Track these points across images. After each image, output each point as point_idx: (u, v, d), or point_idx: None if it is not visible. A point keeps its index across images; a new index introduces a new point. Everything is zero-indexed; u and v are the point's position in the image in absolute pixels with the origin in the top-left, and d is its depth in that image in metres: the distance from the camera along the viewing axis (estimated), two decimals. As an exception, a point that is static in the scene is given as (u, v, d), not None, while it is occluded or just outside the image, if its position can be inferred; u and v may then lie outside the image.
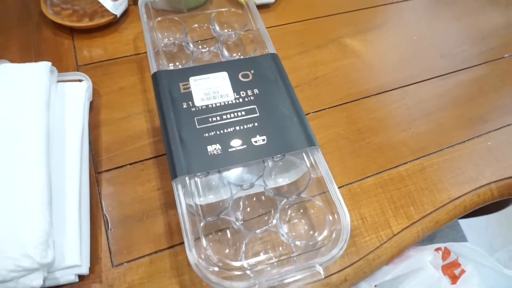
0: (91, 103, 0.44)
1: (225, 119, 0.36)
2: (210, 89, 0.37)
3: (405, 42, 0.56)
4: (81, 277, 0.34)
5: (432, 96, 0.51)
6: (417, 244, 0.41)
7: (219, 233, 0.36)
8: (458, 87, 0.52)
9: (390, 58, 0.54)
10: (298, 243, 0.35)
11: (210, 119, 0.36)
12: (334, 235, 0.32)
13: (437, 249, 0.47)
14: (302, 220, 0.37)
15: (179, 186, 0.32)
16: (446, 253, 0.47)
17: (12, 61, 0.45)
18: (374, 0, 0.61)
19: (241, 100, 0.37)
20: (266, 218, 0.37)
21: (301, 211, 0.38)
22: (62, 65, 0.47)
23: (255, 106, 0.37)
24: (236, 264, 0.33)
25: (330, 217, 0.34)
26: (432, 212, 0.41)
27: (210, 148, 0.34)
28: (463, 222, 0.79)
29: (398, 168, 0.44)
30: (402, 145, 0.45)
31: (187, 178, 0.33)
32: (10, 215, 0.31)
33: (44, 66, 0.39)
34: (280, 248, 0.36)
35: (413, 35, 0.57)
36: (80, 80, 0.44)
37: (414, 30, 0.58)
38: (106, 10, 0.50)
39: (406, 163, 0.44)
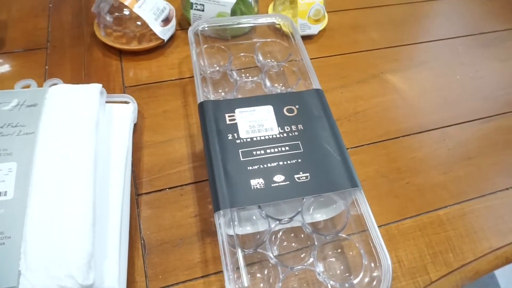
0: (135, 125, 0.45)
1: (269, 153, 0.36)
2: (255, 122, 0.38)
3: (447, 82, 0.56)
4: (116, 299, 0.34)
5: (473, 138, 0.50)
6: (454, 293, 0.40)
7: (255, 266, 0.36)
8: (500, 131, 0.51)
9: (431, 97, 0.54)
10: (333, 283, 0.35)
11: (254, 152, 0.36)
12: (375, 283, 0.32)
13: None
14: (339, 260, 0.37)
15: (221, 219, 0.32)
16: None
17: (63, 79, 0.47)
18: (416, 37, 0.61)
19: (285, 135, 0.37)
20: (302, 254, 0.37)
21: (339, 250, 0.37)
22: (109, 86, 0.49)
23: (299, 142, 0.37)
24: (273, 302, 0.32)
25: (372, 263, 0.33)
26: (473, 261, 0.40)
27: (253, 182, 0.34)
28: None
29: (438, 212, 0.43)
30: (442, 188, 0.45)
31: (229, 211, 0.33)
32: (56, 235, 0.31)
33: (95, 89, 0.41)
34: (317, 289, 0.35)
35: (456, 75, 0.57)
36: (126, 102, 0.46)
37: (456, 70, 0.57)
38: (154, 34, 0.52)
39: (446, 207, 0.43)
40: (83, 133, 0.37)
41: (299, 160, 0.36)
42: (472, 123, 0.51)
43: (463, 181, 0.46)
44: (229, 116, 0.38)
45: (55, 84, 0.44)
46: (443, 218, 0.42)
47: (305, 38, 0.58)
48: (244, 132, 0.37)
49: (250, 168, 0.35)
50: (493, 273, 0.73)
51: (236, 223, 0.36)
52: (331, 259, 0.37)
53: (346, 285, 0.34)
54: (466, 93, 0.55)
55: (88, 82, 0.42)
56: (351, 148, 0.47)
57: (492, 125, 0.51)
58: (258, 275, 0.36)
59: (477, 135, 0.50)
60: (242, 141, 0.37)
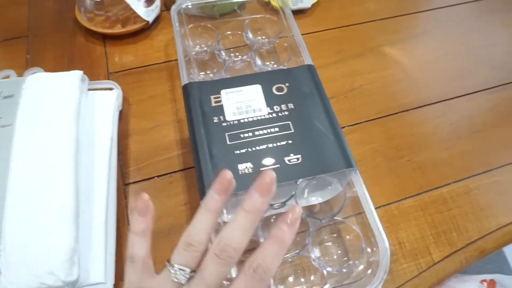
0: (121, 112, 0.44)
1: (257, 136, 0.34)
2: (243, 103, 0.36)
3: (450, 52, 0.52)
4: (105, 293, 0.33)
5: (478, 111, 0.47)
6: (459, 272, 0.38)
7: (247, 255, 0.35)
8: (509, 101, 0.48)
9: (434, 68, 0.51)
10: (330, 269, 0.33)
11: (241, 135, 0.34)
12: (371, 270, 0.30)
13: (482, 281, 0.43)
14: (336, 244, 0.35)
15: (208, 207, 0.31)
16: (491, 285, 0.43)
17: (45, 68, 0.45)
18: (416, 5, 0.58)
19: (274, 115, 0.35)
20: (297, 239, 0.35)
21: (335, 234, 0.35)
22: (93, 72, 0.47)
23: (289, 122, 0.35)
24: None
25: (369, 247, 0.31)
26: (478, 240, 0.38)
27: (241, 167, 0.32)
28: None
29: (441, 190, 0.41)
30: (445, 164, 0.42)
31: (216, 198, 0.31)
32: (36, 230, 0.30)
33: (75, 76, 0.39)
34: (312, 277, 0.34)
35: (460, 44, 0.53)
36: (110, 89, 0.44)
37: (460, 38, 0.54)
38: (139, 17, 0.49)
39: (450, 184, 0.41)
40: (63, 123, 0.36)
41: (290, 142, 0.34)
42: (478, 94, 0.49)
43: (467, 156, 0.43)
44: (214, 98, 0.36)
45: (36, 73, 0.42)
46: (446, 196, 0.40)
47: (298, 12, 0.55)
48: (231, 114, 0.35)
49: (238, 152, 0.33)
50: (503, 252, 0.71)
51: (224, 210, 0.34)
52: (327, 244, 0.35)
53: (344, 270, 0.33)
54: (471, 63, 0.52)
55: (71, 70, 0.40)
56: (348, 126, 0.45)
57: (499, 95, 0.49)
58: (251, 263, 0.34)
59: (483, 107, 0.47)
60: (228, 123, 0.34)
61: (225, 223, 0.33)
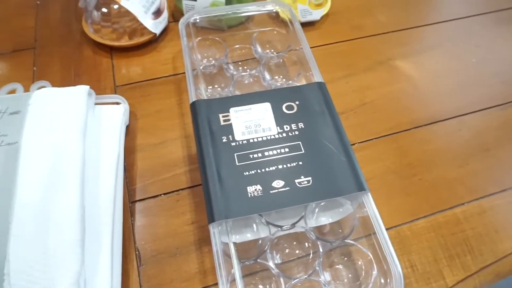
0: (127, 127, 0.43)
1: (267, 156, 0.33)
2: (252, 122, 0.35)
3: (462, 66, 0.51)
4: (111, 315, 0.33)
5: (492, 127, 0.46)
6: (473, 297, 0.37)
7: (256, 277, 0.34)
8: (522, 117, 0.47)
9: (445, 83, 0.50)
10: (341, 294, 0.32)
11: (251, 156, 0.33)
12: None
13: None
14: (347, 268, 0.34)
15: (216, 231, 0.30)
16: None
17: (52, 80, 0.45)
18: (425, 18, 0.57)
19: (284, 134, 0.34)
20: (307, 261, 0.35)
21: (346, 258, 0.34)
22: (100, 85, 0.46)
23: (299, 142, 0.34)
24: (274, 320, 0.30)
25: (381, 272, 0.30)
26: (493, 263, 0.37)
27: (250, 189, 0.31)
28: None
29: (454, 210, 0.40)
30: (458, 183, 0.41)
31: (224, 222, 0.31)
32: (42, 254, 0.29)
33: (82, 91, 0.38)
34: (323, 303, 0.33)
35: (471, 58, 0.52)
36: (117, 103, 0.43)
37: (472, 52, 0.53)
38: (146, 29, 0.49)
39: (463, 204, 0.40)
40: (70, 141, 0.35)
41: (300, 163, 0.33)
42: (490, 110, 0.47)
43: (481, 175, 0.42)
44: (223, 117, 0.35)
45: (43, 87, 0.42)
46: (460, 216, 0.39)
47: (307, 24, 0.54)
48: (240, 134, 0.34)
49: (247, 173, 0.32)
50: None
51: (233, 232, 0.33)
52: (338, 266, 0.34)
53: (355, 296, 0.32)
54: (482, 77, 0.51)
55: (78, 82, 0.40)
56: (358, 143, 0.44)
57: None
58: (260, 286, 0.33)
59: (495, 123, 0.46)
60: (237, 143, 0.34)
61: (235, 247, 0.33)
